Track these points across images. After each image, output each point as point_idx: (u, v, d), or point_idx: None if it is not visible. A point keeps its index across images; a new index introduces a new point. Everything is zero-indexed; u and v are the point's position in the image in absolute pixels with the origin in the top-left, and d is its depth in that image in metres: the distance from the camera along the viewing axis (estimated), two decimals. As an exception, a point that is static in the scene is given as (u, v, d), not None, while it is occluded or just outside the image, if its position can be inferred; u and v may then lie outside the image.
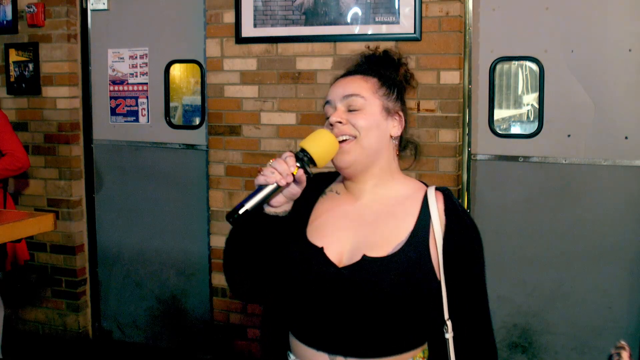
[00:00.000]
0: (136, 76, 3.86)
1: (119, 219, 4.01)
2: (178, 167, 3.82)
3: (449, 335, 1.39)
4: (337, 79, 1.51)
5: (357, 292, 1.36)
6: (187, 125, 3.79)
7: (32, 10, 3.82)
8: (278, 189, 1.30)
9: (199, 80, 3.72)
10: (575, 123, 3.10)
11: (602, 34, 3.03)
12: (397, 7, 3.10)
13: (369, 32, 3.16)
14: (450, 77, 3.07)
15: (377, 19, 3.14)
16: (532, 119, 3.23)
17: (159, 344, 3.99)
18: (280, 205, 1.35)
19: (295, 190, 1.34)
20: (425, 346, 1.44)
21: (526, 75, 3.23)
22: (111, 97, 3.93)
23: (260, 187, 1.30)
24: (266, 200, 1.30)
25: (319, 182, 1.54)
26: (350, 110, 1.41)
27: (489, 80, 3.20)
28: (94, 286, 4.11)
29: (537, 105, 3.17)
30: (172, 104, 3.82)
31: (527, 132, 3.22)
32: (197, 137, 3.74)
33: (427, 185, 1.48)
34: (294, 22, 3.29)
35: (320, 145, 1.34)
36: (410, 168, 1.54)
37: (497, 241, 3.25)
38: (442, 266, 1.37)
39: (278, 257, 1.41)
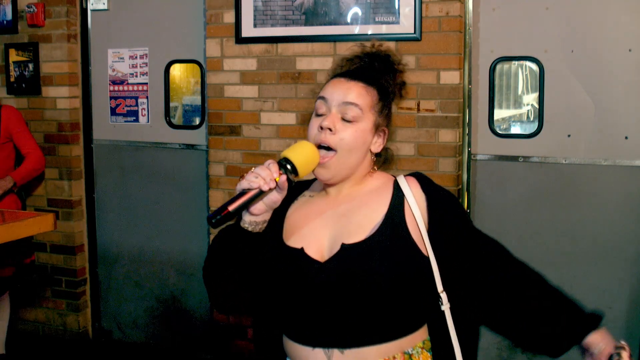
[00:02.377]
0: (136, 76, 3.86)
1: (119, 219, 4.01)
2: (178, 167, 3.82)
3: (445, 307, 1.41)
4: (337, 75, 1.49)
5: (344, 281, 1.36)
6: (187, 125, 3.80)
7: (32, 10, 3.83)
8: (260, 195, 1.30)
9: (199, 80, 3.72)
10: (575, 123, 3.10)
11: (602, 34, 3.03)
12: (397, 7, 3.10)
13: (369, 32, 3.15)
14: (450, 77, 3.07)
15: (377, 19, 3.15)
16: (532, 119, 3.23)
17: (159, 344, 3.99)
18: (261, 214, 1.34)
19: (276, 198, 1.33)
20: (425, 334, 1.44)
21: (526, 75, 3.23)
22: (111, 97, 3.93)
23: (243, 192, 1.30)
24: (248, 205, 1.30)
25: (291, 191, 1.53)
26: (344, 119, 1.41)
27: (489, 80, 3.20)
28: (94, 286, 4.11)
29: (537, 105, 3.17)
30: (172, 104, 3.82)
31: (527, 132, 3.22)
32: (197, 137, 3.74)
33: (394, 177, 1.52)
34: (294, 22, 3.29)
35: (303, 155, 1.35)
36: (384, 169, 1.55)
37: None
38: (429, 240, 1.40)
39: (258, 268, 1.41)
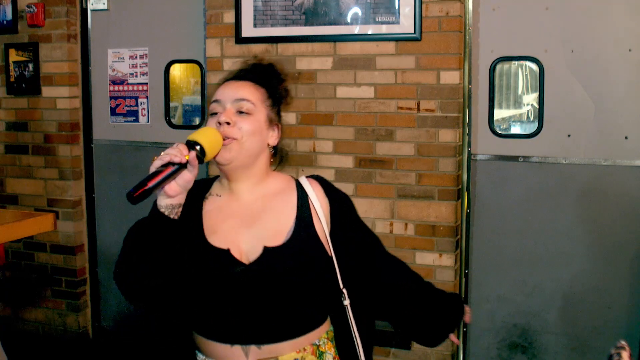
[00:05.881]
0: (136, 76, 3.86)
1: (119, 219, 4.01)
2: (178, 167, 3.81)
3: (347, 302, 1.56)
4: (226, 80, 1.62)
5: (266, 282, 1.47)
6: (187, 125, 3.79)
7: (32, 10, 3.83)
8: (174, 174, 1.36)
9: (199, 80, 3.72)
10: (575, 123, 3.10)
11: (602, 34, 3.03)
12: (397, 7, 3.10)
13: (369, 32, 3.16)
14: (450, 77, 3.07)
15: (377, 19, 3.15)
16: (532, 119, 3.23)
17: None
18: (176, 195, 1.40)
19: (188, 177, 1.40)
20: (329, 325, 1.59)
21: (526, 75, 3.23)
22: (111, 97, 3.93)
23: (157, 171, 1.35)
24: (165, 181, 1.36)
25: (196, 190, 1.57)
26: (239, 112, 1.52)
27: (489, 80, 3.20)
28: (94, 286, 4.11)
29: (537, 105, 3.17)
30: (172, 104, 3.82)
31: (527, 132, 3.22)
32: (197, 137, 3.74)
33: (294, 178, 1.64)
34: (294, 22, 3.29)
35: (209, 138, 1.44)
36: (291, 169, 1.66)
37: (497, 241, 3.25)
38: (331, 240, 1.54)
39: (177, 261, 1.45)
